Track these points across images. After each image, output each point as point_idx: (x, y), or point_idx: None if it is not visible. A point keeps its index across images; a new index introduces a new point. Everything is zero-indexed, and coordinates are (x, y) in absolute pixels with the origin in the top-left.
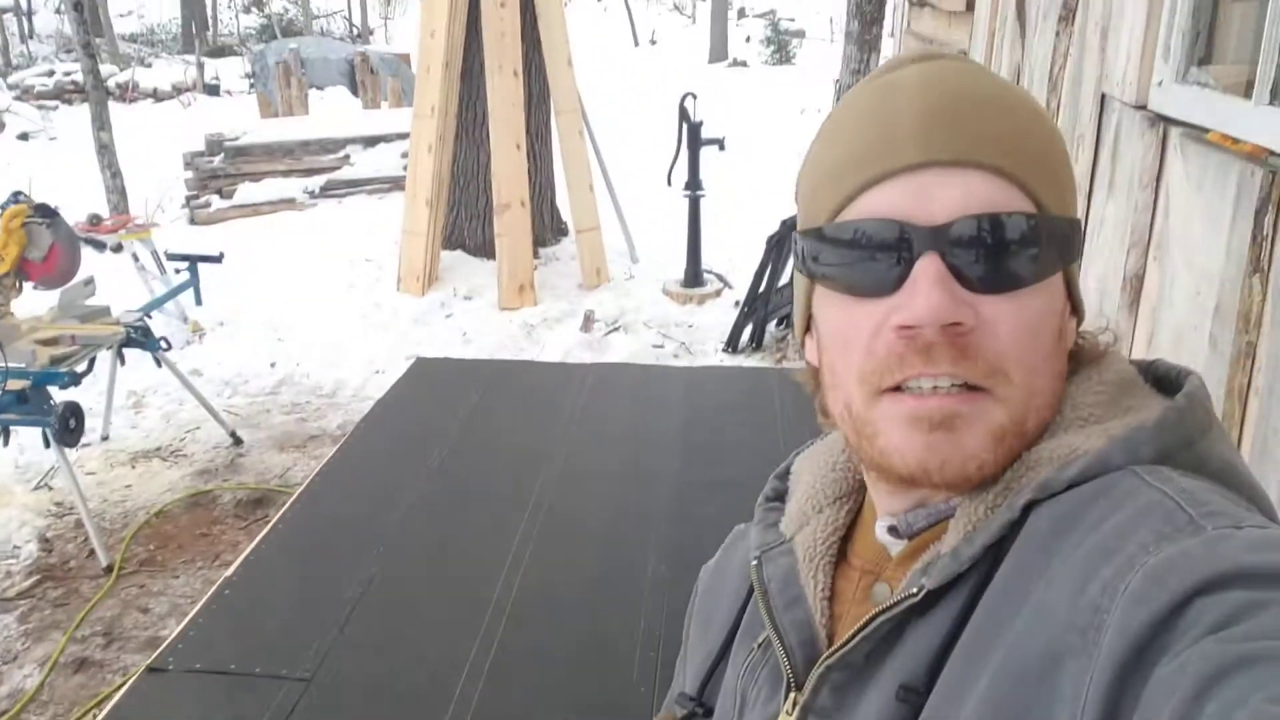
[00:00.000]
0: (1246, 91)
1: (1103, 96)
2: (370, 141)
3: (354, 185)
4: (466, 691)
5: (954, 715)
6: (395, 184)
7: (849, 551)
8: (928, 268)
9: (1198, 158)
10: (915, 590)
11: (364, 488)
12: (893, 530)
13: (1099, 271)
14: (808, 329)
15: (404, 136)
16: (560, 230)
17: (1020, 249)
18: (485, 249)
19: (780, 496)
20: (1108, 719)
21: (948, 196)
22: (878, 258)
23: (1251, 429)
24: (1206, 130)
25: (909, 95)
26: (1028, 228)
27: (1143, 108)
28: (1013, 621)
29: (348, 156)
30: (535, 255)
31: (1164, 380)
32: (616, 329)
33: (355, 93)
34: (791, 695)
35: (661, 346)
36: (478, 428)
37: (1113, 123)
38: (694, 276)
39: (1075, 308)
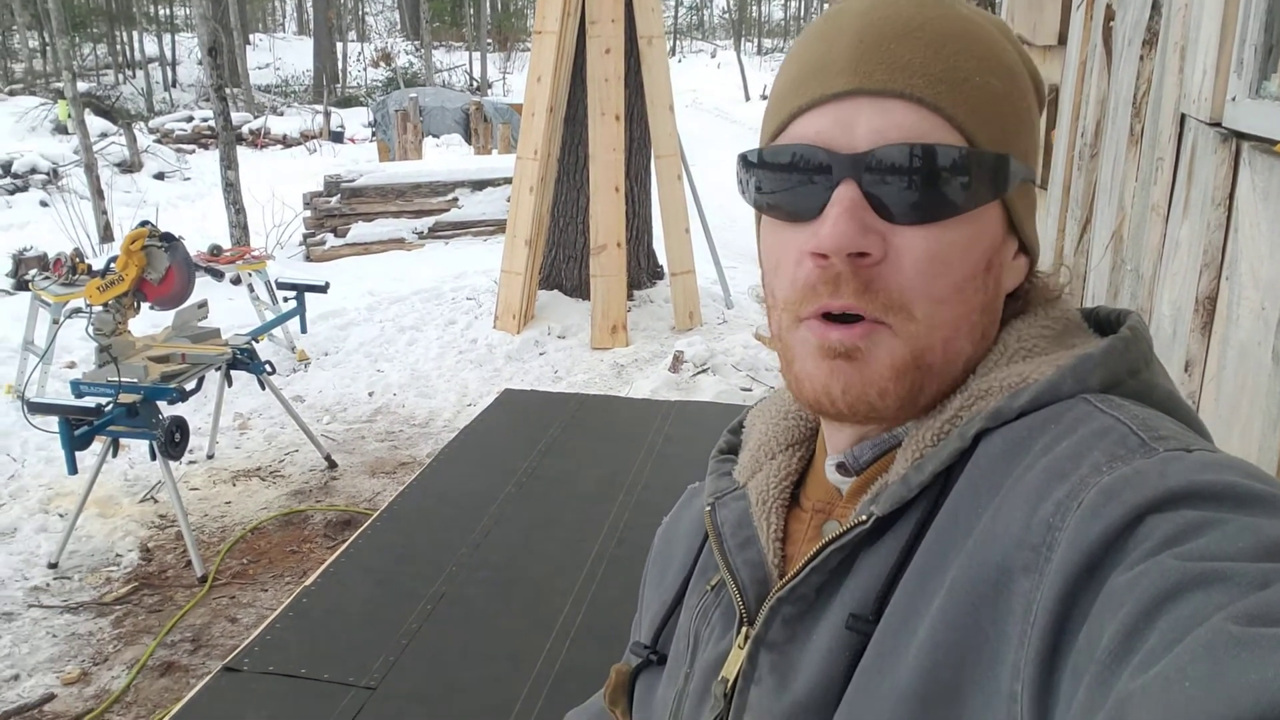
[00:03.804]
0: None
1: (1182, 117)
2: (478, 185)
3: (461, 227)
4: (526, 707)
5: (904, 640)
6: (500, 226)
7: (801, 496)
8: (842, 196)
9: (1265, 170)
10: (865, 518)
11: (442, 509)
12: (841, 468)
13: (1173, 296)
14: None
15: (510, 181)
16: (655, 273)
17: (938, 180)
18: (581, 289)
19: (734, 450)
20: (1058, 630)
21: (871, 125)
22: (803, 183)
23: None
24: (1275, 141)
25: (848, 24)
26: (951, 159)
27: (1217, 124)
28: (964, 543)
29: (456, 199)
30: (629, 297)
31: (1105, 325)
32: (705, 371)
33: (469, 140)
34: (744, 630)
35: (750, 390)
36: (557, 457)
37: (1189, 142)
38: None
39: (1026, 246)
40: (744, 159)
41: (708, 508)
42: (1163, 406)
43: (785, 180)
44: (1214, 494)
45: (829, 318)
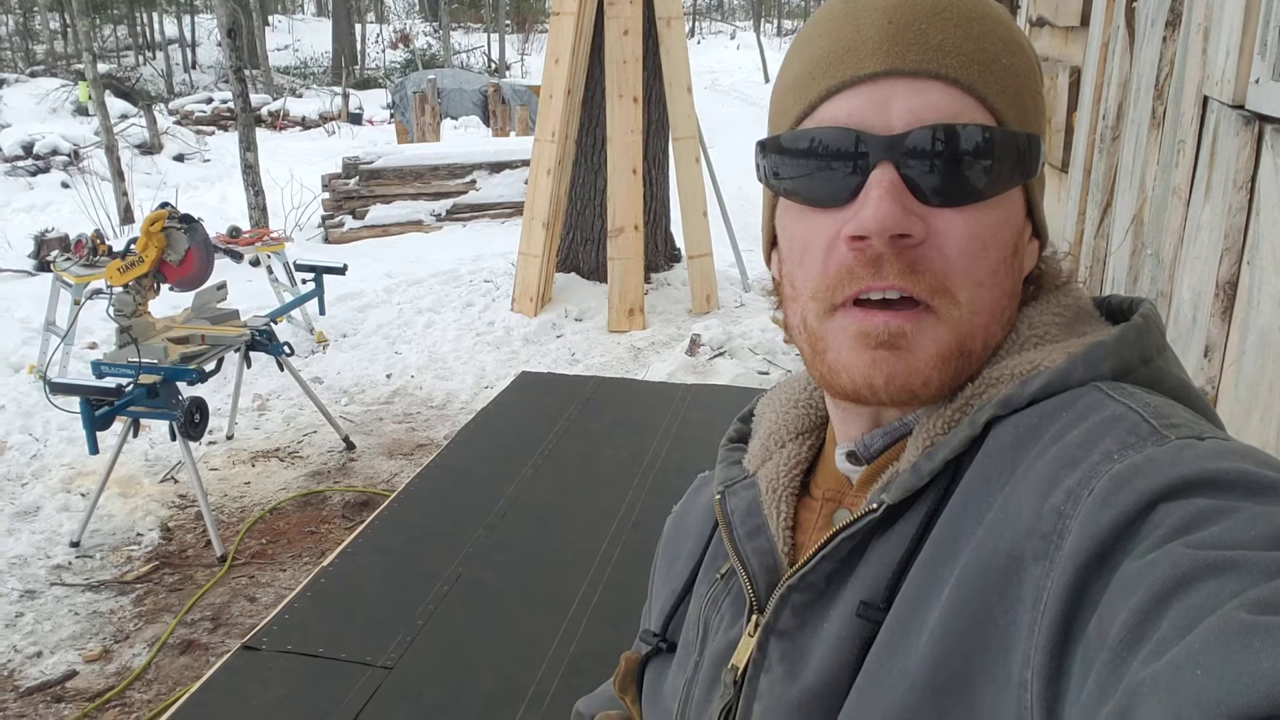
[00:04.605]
0: None
1: (1204, 100)
2: (496, 167)
3: (478, 209)
4: (541, 689)
5: (915, 628)
6: (518, 209)
7: (811, 485)
8: (881, 178)
9: None
10: (875, 506)
11: (459, 491)
12: (852, 456)
13: (1194, 282)
14: (774, 243)
15: (528, 163)
16: (673, 256)
17: (974, 162)
18: (598, 272)
19: (744, 438)
20: (1068, 618)
21: (906, 107)
22: (834, 167)
23: None
24: None
25: (874, 4)
26: (983, 140)
27: (1240, 107)
28: (975, 531)
29: (474, 181)
30: (647, 280)
31: (1117, 313)
32: (722, 354)
33: (487, 122)
34: (754, 618)
35: (767, 373)
36: (574, 440)
37: (1211, 125)
38: None
39: (1038, 231)
40: (766, 144)
41: (717, 496)
42: (1175, 395)
43: (815, 164)
44: (1226, 482)
45: (866, 303)
